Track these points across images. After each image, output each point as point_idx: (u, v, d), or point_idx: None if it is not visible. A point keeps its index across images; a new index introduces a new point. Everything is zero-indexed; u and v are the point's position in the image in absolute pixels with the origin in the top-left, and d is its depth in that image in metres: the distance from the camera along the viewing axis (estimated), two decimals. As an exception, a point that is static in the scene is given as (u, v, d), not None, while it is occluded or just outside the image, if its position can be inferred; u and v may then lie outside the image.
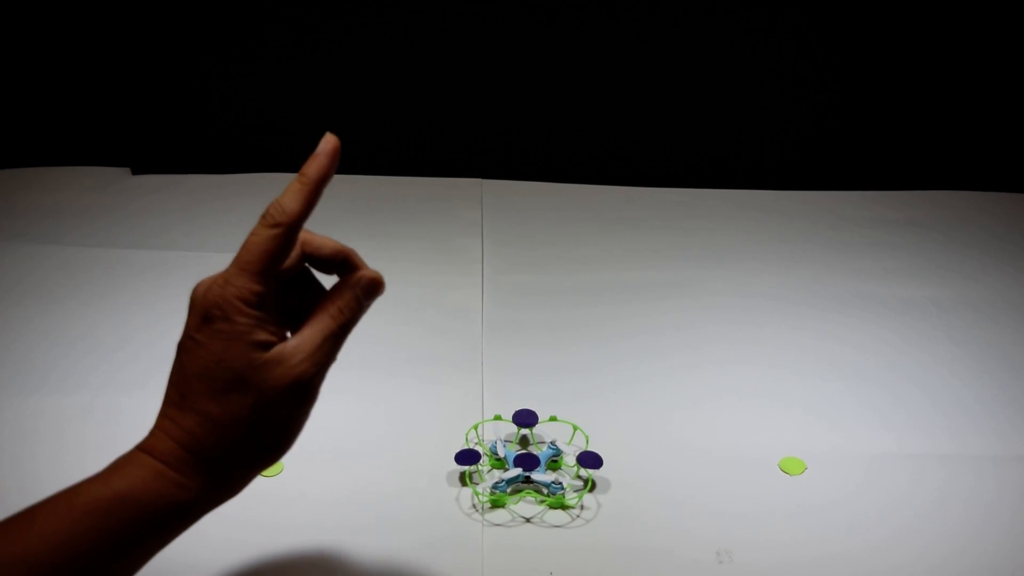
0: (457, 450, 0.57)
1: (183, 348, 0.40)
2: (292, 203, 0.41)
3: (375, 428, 0.61)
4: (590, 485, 0.57)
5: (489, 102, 0.94)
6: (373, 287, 0.44)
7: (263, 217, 0.40)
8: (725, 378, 0.67)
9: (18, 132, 0.95)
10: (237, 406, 0.39)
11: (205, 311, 0.39)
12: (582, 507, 0.55)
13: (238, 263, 0.40)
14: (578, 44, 0.91)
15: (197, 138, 0.95)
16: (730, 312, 0.75)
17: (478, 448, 0.58)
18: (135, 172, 0.95)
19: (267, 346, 0.40)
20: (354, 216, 0.87)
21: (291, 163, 0.96)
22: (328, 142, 0.43)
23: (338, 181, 1.09)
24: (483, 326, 0.72)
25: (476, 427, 0.60)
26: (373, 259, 0.86)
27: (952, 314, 0.76)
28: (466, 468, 0.57)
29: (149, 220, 0.86)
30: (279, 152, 0.95)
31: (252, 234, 0.40)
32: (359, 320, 0.43)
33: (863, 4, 0.89)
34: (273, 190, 0.95)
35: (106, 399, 0.62)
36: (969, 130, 0.96)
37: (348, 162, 1.09)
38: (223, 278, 0.40)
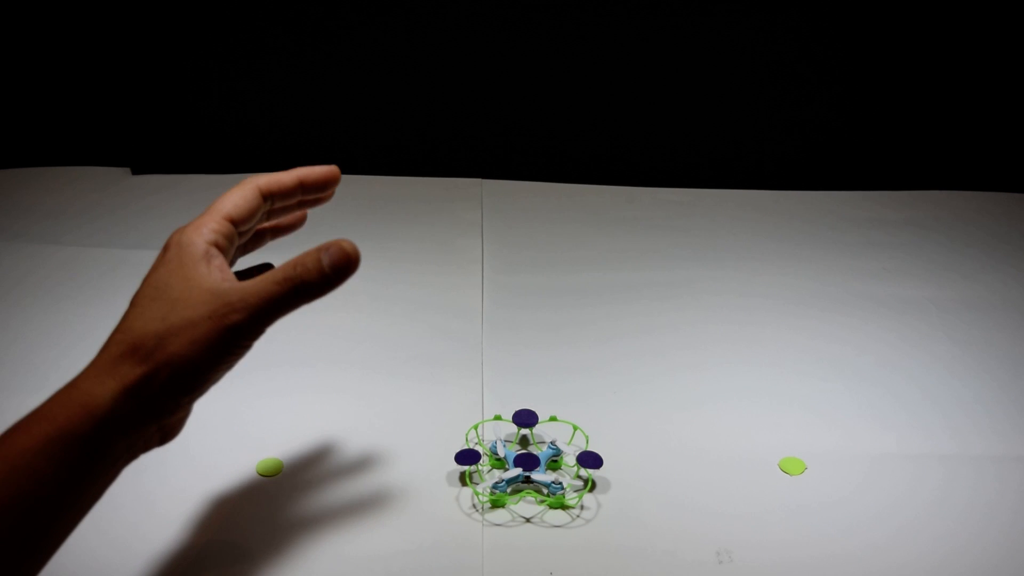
0: (457, 450, 0.57)
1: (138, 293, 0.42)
2: (269, 176, 0.45)
3: (375, 428, 0.61)
4: (590, 485, 0.57)
5: (489, 102, 0.94)
6: (340, 255, 0.40)
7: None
8: (725, 378, 0.67)
9: (18, 132, 0.95)
10: (165, 303, 0.40)
11: (167, 244, 0.42)
12: (582, 507, 0.55)
13: (205, 212, 0.43)
14: (578, 44, 0.91)
15: (197, 138, 0.95)
16: (730, 312, 0.75)
17: (478, 448, 0.58)
18: (135, 172, 0.95)
19: (215, 267, 0.41)
20: (354, 216, 0.88)
21: (291, 163, 0.96)
22: (331, 167, 0.47)
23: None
24: (483, 326, 0.72)
25: (476, 427, 0.60)
26: (373, 259, 0.86)
27: (952, 314, 0.76)
28: (466, 468, 0.57)
29: (149, 220, 0.86)
30: (279, 152, 0.95)
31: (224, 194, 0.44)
32: (320, 292, 0.40)
33: (863, 4, 0.89)
34: (273, 190, 0.90)
35: (106, 399, 0.62)
36: (969, 130, 0.96)
37: (348, 162, 1.09)
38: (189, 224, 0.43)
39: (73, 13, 0.89)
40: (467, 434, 0.59)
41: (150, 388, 0.39)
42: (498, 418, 0.61)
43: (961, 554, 0.53)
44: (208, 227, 0.42)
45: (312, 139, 0.95)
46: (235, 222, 0.43)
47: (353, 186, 0.94)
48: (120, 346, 0.40)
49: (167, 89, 0.92)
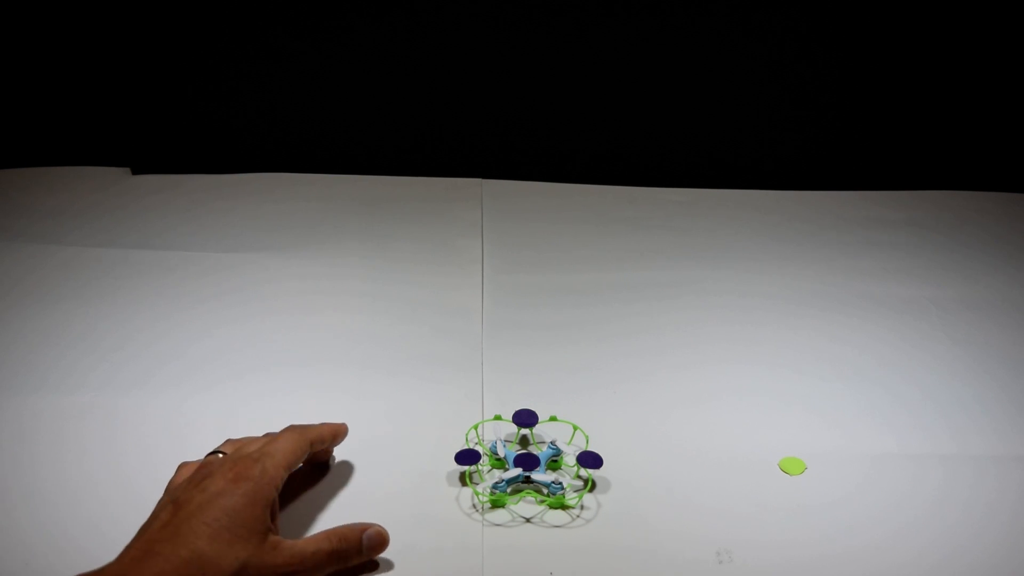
0: (457, 450, 0.57)
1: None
2: (316, 432, 0.54)
3: (375, 428, 0.61)
4: (590, 485, 0.57)
5: (489, 102, 0.94)
6: (378, 540, 0.50)
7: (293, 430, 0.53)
8: (725, 378, 0.67)
9: (18, 132, 0.95)
10: (239, 540, 0.44)
11: (239, 474, 0.46)
12: (582, 507, 0.55)
13: (272, 453, 0.49)
14: (578, 44, 0.91)
15: (197, 138, 0.95)
16: (730, 312, 0.75)
17: (478, 448, 0.58)
18: (135, 172, 0.95)
19: (273, 517, 0.47)
20: (354, 216, 0.87)
21: (291, 163, 0.97)
22: (343, 424, 0.57)
23: (338, 181, 1.09)
24: (483, 326, 0.72)
25: (476, 427, 0.60)
26: (373, 259, 0.86)
27: (952, 314, 0.76)
28: (466, 468, 0.57)
29: (150, 220, 0.86)
30: (279, 152, 0.95)
31: (281, 439, 0.51)
32: (355, 561, 0.49)
33: (863, 4, 0.89)
34: (273, 190, 0.96)
35: (105, 399, 0.62)
36: (969, 130, 0.96)
37: (348, 162, 1.09)
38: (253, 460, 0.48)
39: (73, 13, 0.89)
40: (467, 434, 0.59)
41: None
42: (498, 418, 0.61)
43: (961, 554, 0.53)
44: (281, 479, 0.48)
45: (312, 139, 0.95)
46: (289, 471, 0.50)
47: (353, 186, 0.94)
48: (190, 568, 0.42)
49: (167, 89, 0.92)
